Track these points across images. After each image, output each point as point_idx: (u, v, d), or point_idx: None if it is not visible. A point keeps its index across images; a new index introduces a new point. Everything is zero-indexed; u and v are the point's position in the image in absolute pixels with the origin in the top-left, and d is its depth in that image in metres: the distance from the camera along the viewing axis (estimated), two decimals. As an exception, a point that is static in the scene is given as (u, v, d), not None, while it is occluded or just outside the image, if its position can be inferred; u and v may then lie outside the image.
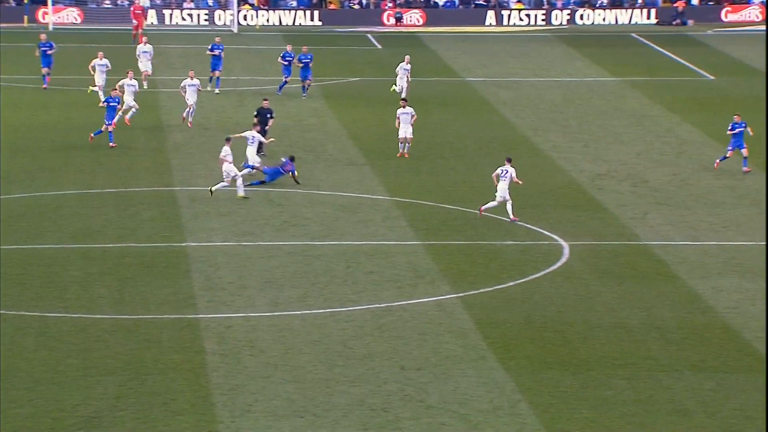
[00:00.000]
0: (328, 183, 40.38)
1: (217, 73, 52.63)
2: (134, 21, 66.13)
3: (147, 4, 72.93)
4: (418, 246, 33.97)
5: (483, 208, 35.93)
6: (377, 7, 75.46)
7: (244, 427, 23.42)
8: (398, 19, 73.99)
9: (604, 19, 74.88)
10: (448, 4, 76.27)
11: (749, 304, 29.84)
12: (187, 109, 46.88)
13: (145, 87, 51.83)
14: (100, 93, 49.52)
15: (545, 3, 76.31)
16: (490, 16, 74.74)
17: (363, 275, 31.63)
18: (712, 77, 59.11)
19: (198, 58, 60.96)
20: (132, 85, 46.50)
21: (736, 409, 24.34)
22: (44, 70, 52.79)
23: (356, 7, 75.92)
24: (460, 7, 76.23)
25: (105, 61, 50.19)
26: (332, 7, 75.80)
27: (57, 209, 37.14)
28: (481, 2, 75.98)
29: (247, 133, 40.66)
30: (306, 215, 36.83)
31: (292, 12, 74.43)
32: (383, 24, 74.05)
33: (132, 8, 67.83)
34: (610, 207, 37.76)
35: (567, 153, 44.49)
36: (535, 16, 74.80)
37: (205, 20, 73.32)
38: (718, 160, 41.62)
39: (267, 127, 42.93)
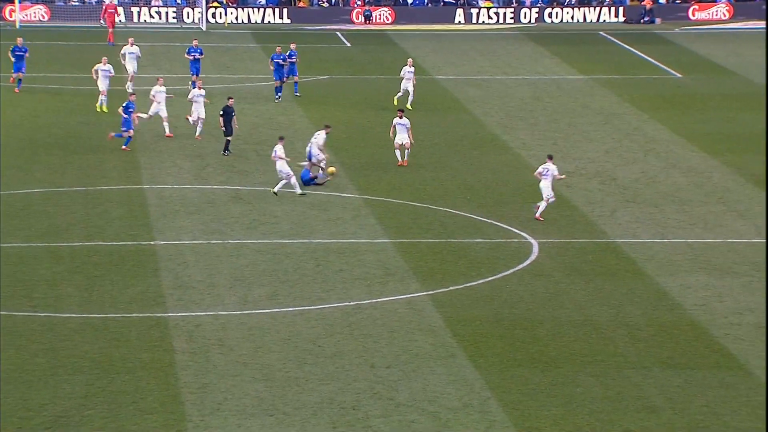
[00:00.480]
0: (297, 181, 40.29)
1: (195, 77, 51.43)
2: (104, 21, 65.66)
3: (115, 0, 72.60)
4: (387, 244, 33.99)
5: (538, 215, 35.76)
6: (346, 5, 75.43)
7: (214, 426, 23.36)
8: (367, 17, 73.98)
9: (572, 18, 75.11)
10: (417, 2, 76.32)
11: (716, 301, 30.01)
12: (194, 119, 44.37)
13: (131, 89, 50.73)
14: (103, 98, 47.96)
15: (514, 1, 76.49)
16: (459, 14, 74.83)
17: (333, 273, 31.62)
18: (679, 75, 59.41)
19: (167, 56, 60.79)
20: (161, 92, 44.92)
21: (704, 405, 24.48)
22: (18, 75, 51.31)
23: (325, 5, 75.86)
24: (429, 5, 76.29)
25: (108, 66, 48.70)
26: (301, 5, 75.71)
27: (24, 208, 36.93)
28: (450, 0, 76.07)
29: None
30: (275, 213, 36.78)
31: (261, 10, 74.29)
32: (352, 22, 74.03)
33: (105, 7, 67.43)
34: (579, 205, 37.89)
35: (536, 151, 44.61)
36: (504, 14, 74.96)
37: (174, 18, 73.07)
38: None
39: (234, 126, 42.91)
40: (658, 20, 74.49)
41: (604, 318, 28.80)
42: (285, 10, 74.35)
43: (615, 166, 42.62)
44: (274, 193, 38.07)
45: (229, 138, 42.95)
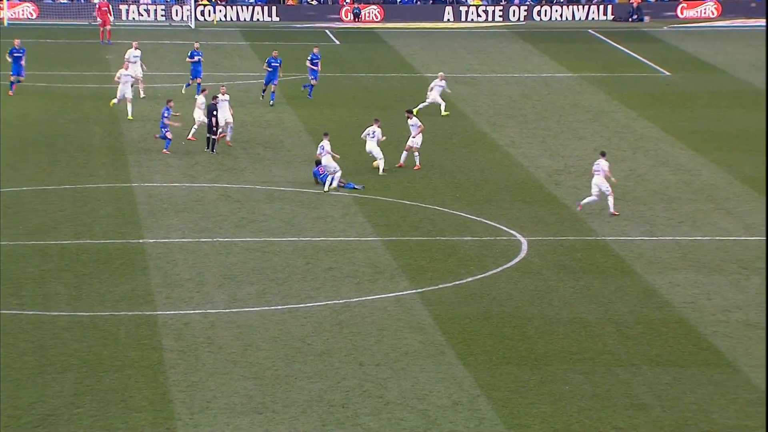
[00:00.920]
0: (286, 179, 40.33)
1: (198, 80, 51.01)
2: (99, 19, 65.52)
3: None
4: (377, 242, 33.99)
5: (582, 203, 36.18)
6: (335, 3, 75.40)
7: (203, 424, 23.34)
8: (356, 15, 73.95)
9: (561, 16, 75.17)
10: (406, 0, 76.33)
11: (705, 299, 30.07)
12: (223, 128, 42.96)
13: (142, 95, 50.36)
14: (129, 106, 46.71)
15: (503, 0, 76.60)
16: (448, 12, 74.85)
17: (322, 271, 31.61)
18: (668, 73, 59.49)
19: (155, 54, 60.70)
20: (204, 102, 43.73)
21: (693, 402, 24.53)
22: (14, 77, 50.72)
23: (314, 2, 75.81)
24: (418, 3, 76.29)
25: (130, 71, 47.68)
26: (290, 2, 75.64)
27: (13, 206, 36.85)
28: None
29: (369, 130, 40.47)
30: (264, 211, 36.76)
31: (250, 8, 74.22)
32: (341, 20, 73.99)
33: (98, 5, 67.27)
34: (568, 202, 37.93)
35: (525, 148, 44.65)
36: (493, 12, 75.00)
37: (162, 16, 72.95)
38: None
39: (222, 124, 42.87)
40: (646, 18, 74.60)
41: (592, 316, 28.84)
42: (274, 8, 74.29)
43: (604, 164, 42.62)
44: (326, 191, 37.88)
45: (213, 137, 42.85)
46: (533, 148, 44.80)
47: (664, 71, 59.87)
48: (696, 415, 23.99)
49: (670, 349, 27.02)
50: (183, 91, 51.22)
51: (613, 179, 36.55)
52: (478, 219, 36.07)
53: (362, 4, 74.53)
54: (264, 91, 50.61)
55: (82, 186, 39.24)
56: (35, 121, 47.43)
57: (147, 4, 73.49)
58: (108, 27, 64.38)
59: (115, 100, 47.65)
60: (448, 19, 74.42)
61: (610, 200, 36.17)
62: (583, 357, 26.49)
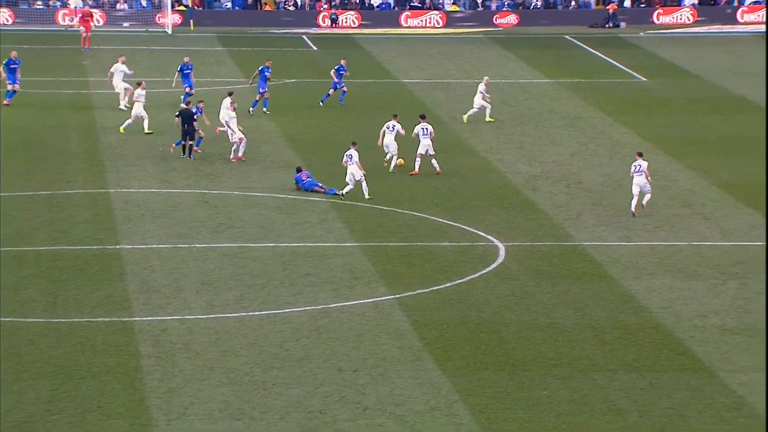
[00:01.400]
0: (263, 185, 40.28)
1: (190, 90, 50.81)
2: (81, 27, 65.38)
3: (80, 4, 72.28)
4: (355, 248, 33.99)
5: (633, 210, 36.72)
6: (312, 9, 75.39)
7: (180, 430, 23.28)
8: (334, 21, 73.97)
9: (538, 22, 75.33)
10: (384, 5, 76.38)
11: (681, 304, 30.18)
12: (236, 144, 42.35)
13: (122, 106, 50.06)
14: (145, 123, 46.00)
15: (480, 5, 76.69)
16: (426, 17, 74.90)
17: (300, 277, 31.59)
18: (644, 79, 59.72)
19: (132, 60, 60.53)
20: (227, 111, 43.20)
21: (669, 407, 24.61)
22: (13, 87, 50.22)
23: (291, 8, 75.79)
24: (396, 8, 76.35)
25: (144, 91, 46.59)
26: (267, 8, 75.60)
27: (-11, 212, 36.68)
28: (416, 5, 76.17)
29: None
30: (242, 217, 36.70)
31: (227, 13, 74.11)
32: (319, 26, 73.99)
33: (80, 12, 67.07)
34: (545, 208, 38.02)
35: (502, 154, 44.73)
36: (471, 17, 75.11)
37: (140, 21, 72.77)
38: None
39: (196, 129, 42.75)
40: (623, 24, 74.86)
41: (570, 321, 28.90)
42: (251, 14, 74.21)
43: (581, 170, 42.78)
44: (342, 195, 38.03)
45: (190, 142, 42.76)
46: (510, 154, 44.88)
47: (641, 77, 60.09)
48: (673, 420, 24.07)
49: (646, 354, 27.10)
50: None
51: (649, 179, 36.98)
52: (455, 224, 36.12)
53: (340, 10, 74.55)
54: (256, 102, 50.17)
55: (58, 192, 39.09)
56: (11, 126, 47.22)
57: (124, 10, 73.33)
58: (89, 34, 64.30)
59: (130, 121, 46.28)
60: (426, 25, 74.46)
61: (647, 197, 36.83)
62: (560, 362, 26.55)
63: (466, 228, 35.81)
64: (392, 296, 30.31)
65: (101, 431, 23.16)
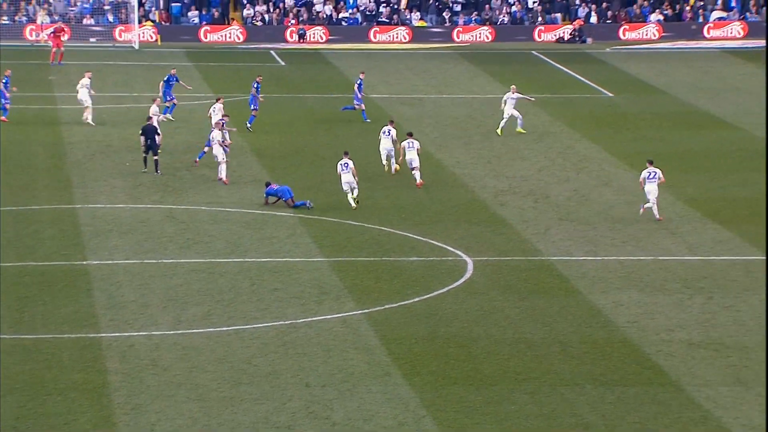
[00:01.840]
0: (231, 200, 40.21)
1: (172, 101, 50.76)
2: (50, 42, 65.13)
3: (47, 20, 72.00)
4: (323, 262, 33.97)
5: (643, 211, 37.67)
6: (280, 24, 75.41)
7: (148, 447, 23.17)
8: (301, 36, 74.00)
9: (506, 37, 75.59)
10: (351, 21, 76.50)
11: (648, 319, 30.32)
12: (221, 166, 41.34)
13: (89, 121, 49.81)
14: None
15: (447, 21, 76.94)
16: (394, 33, 75.03)
17: (268, 292, 31.54)
18: (611, 94, 60.05)
19: (98, 75, 60.34)
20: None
21: (636, 422, 24.70)
22: (7, 105, 50.16)
23: (259, 23, 75.77)
24: (363, 24, 76.49)
25: (157, 107, 46.51)
26: (235, 24, 75.54)
27: (-46, 227, 36.45)
28: (384, 20, 76.33)
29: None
30: (210, 232, 36.62)
31: (194, 28, 74.00)
32: (286, 41, 74.00)
33: (47, 27, 66.79)
34: (513, 223, 38.13)
35: (470, 169, 44.85)
36: (438, 33, 75.34)
37: (106, 37, 72.53)
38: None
39: (159, 145, 42.57)
40: (589, 40, 75.28)
41: (537, 336, 28.97)
42: (219, 29, 74.15)
43: (548, 185, 42.95)
44: (357, 202, 38.59)
45: (155, 157, 42.64)
46: (478, 169, 45.00)
47: (607, 92, 60.42)
48: (640, 434, 24.16)
49: (614, 368, 27.20)
50: (171, 118, 50.73)
51: (663, 180, 37.96)
52: (423, 239, 36.16)
53: (307, 25, 74.60)
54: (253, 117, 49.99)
55: (25, 207, 38.88)
56: (-23, 141, 46.96)
57: (91, 25, 73.10)
58: (62, 49, 64.19)
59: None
60: (394, 40, 74.64)
61: (648, 205, 37.81)
62: (528, 377, 26.61)
63: (435, 243, 35.86)
64: (360, 311, 30.31)
65: (68, 448, 23.03)
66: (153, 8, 74.47)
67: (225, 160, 41.81)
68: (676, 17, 77.73)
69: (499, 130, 49.36)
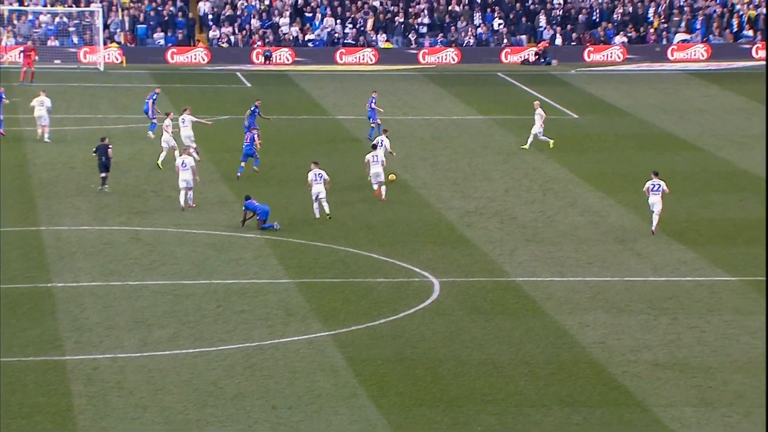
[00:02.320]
0: (197, 222, 40.10)
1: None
2: (21, 61, 65.02)
3: (11, 42, 71.70)
4: (289, 284, 33.91)
5: (654, 228, 38.59)
6: (246, 46, 75.40)
7: (113, 471, 23.01)
8: (267, 58, 74.02)
9: (471, 59, 75.90)
10: (318, 42, 76.61)
11: (614, 339, 30.42)
12: (183, 193, 40.57)
13: (47, 139, 49.78)
14: (163, 154, 45.60)
15: (414, 43, 77.18)
16: (360, 55, 75.18)
17: (234, 314, 31.44)
18: (576, 116, 60.36)
19: (63, 96, 60.15)
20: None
21: (603, 442, 24.76)
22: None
23: (225, 45, 75.74)
24: (330, 45, 76.60)
25: (171, 122, 46.45)
26: (201, 45, 75.47)
27: None
28: (350, 41, 76.49)
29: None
30: (176, 254, 36.49)
31: (160, 50, 73.88)
32: (252, 62, 74.00)
33: (24, 48, 66.64)
34: (479, 244, 38.21)
35: (436, 190, 44.94)
36: (404, 55, 75.54)
37: (71, 58, 72.30)
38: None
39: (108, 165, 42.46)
40: (554, 62, 75.68)
41: (504, 357, 29.01)
42: (185, 51, 74.05)
43: (514, 206, 43.09)
44: (329, 216, 39.28)
45: (104, 174, 42.59)
46: (445, 190, 45.10)
47: (573, 114, 60.73)
48: (607, 455, 24.20)
49: (580, 389, 27.26)
50: (151, 134, 50.64)
51: (667, 191, 38.61)
52: (390, 260, 36.16)
53: (273, 47, 74.63)
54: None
55: (-12, 229, 38.62)
56: (-60, 163, 46.65)
57: (55, 47, 72.83)
58: (32, 69, 64.08)
59: (163, 155, 46.02)
60: (360, 62, 74.79)
61: (655, 219, 38.64)
62: (494, 398, 26.62)
63: (401, 264, 35.87)
64: (327, 333, 30.26)
65: (32, 472, 22.84)
66: (118, 30, 74.30)
67: (192, 187, 41.33)
68: (640, 39, 78.30)
69: (526, 146, 50.83)
